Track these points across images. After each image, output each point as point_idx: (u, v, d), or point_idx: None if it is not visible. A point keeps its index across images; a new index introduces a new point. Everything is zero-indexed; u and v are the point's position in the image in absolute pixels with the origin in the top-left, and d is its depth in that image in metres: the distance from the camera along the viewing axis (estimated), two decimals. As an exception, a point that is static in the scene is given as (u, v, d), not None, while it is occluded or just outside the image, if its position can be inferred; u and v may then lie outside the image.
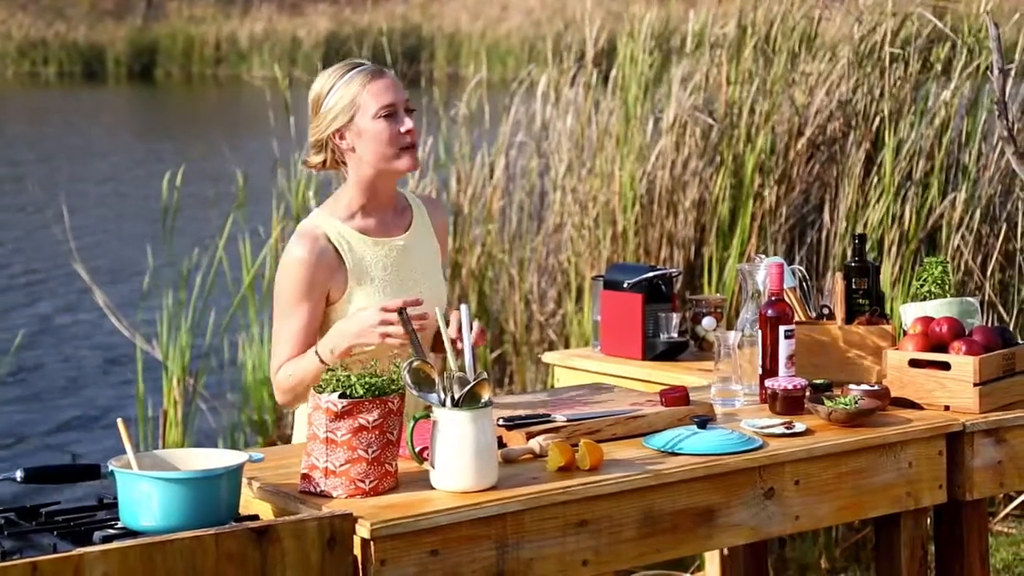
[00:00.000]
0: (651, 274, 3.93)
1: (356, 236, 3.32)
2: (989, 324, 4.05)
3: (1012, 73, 5.81)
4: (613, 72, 6.47)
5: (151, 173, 15.63)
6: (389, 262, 3.33)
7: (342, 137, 3.30)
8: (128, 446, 2.69)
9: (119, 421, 2.73)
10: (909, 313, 3.64)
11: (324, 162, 3.34)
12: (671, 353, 3.94)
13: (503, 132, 6.76)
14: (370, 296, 3.29)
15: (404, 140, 3.29)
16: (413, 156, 3.31)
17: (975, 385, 3.36)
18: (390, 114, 3.27)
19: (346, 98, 3.27)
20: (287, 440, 6.52)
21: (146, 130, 23.22)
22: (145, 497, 2.59)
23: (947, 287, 3.68)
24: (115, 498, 2.69)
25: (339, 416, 2.75)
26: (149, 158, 18.34)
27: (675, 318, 3.92)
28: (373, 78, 3.28)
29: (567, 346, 6.23)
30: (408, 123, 3.29)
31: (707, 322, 4.00)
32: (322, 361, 3.20)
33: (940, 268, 3.70)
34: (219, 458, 2.74)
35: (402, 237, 3.38)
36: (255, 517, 2.76)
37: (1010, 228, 5.92)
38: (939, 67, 6.11)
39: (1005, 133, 4.29)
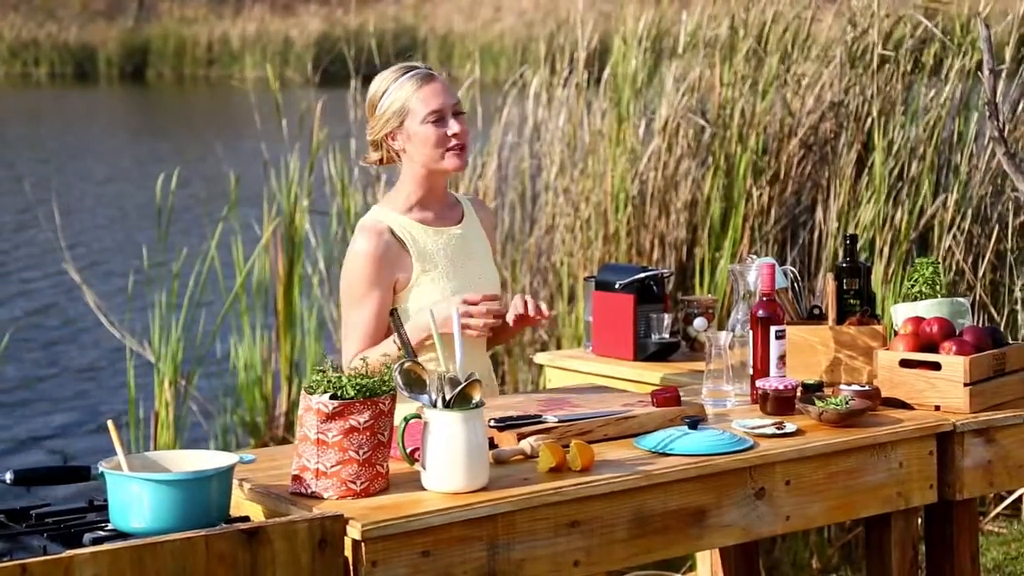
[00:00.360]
0: (643, 275, 3.92)
1: (417, 227, 3.50)
2: (979, 324, 4.05)
3: (1003, 74, 5.83)
4: (605, 73, 6.47)
5: (146, 174, 15.62)
6: (450, 249, 3.51)
7: (394, 139, 3.50)
8: (119, 448, 2.68)
9: (109, 423, 2.73)
10: (900, 313, 3.64)
11: (381, 159, 3.57)
12: (662, 354, 3.93)
13: (495, 133, 6.76)
14: (435, 282, 3.46)
15: (450, 143, 3.46)
16: (459, 157, 3.48)
17: (965, 385, 3.37)
18: (438, 119, 3.44)
19: (397, 102, 3.46)
20: (280, 441, 6.51)
21: (140, 131, 23.19)
22: (135, 499, 2.59)
23: (938, 287, 3.69)
24: (105, 500, 2.68)
25: (330, 417, 2.75)
26: (148, 159, 18.31)
27: (667, 319, 3.92)
28: (423, 83, 3.46)
29: (559, 347, 6.23)
30: (455, 127, 3.46)
31: (698, 323, 4.00)
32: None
33: (931, 268, 3.70)
34: (210, 460, 2.74)
35: (458, 227, 3.56)
36: (246, 519, 2.75)
37: (1001, 229, 5.92)
38: (930, 67, 6.11)
39: (996, 134, 4.30)
